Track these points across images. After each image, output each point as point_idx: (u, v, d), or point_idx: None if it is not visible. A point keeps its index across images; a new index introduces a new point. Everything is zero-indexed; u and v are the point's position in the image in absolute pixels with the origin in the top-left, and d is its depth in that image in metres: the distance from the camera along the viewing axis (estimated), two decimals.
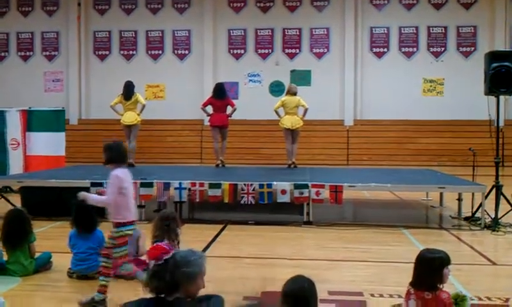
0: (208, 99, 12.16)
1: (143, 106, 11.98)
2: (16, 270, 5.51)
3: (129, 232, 4.63)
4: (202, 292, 3.14)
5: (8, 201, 9.30)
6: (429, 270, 3.65)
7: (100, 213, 7.17)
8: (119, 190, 4.48)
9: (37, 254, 5.78)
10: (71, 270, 5.55)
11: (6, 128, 12.21)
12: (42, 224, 7.89)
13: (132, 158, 11.80)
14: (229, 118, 12.05)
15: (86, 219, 5.62)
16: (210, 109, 12.05)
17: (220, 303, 3.15)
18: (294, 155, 11.78)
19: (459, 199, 9.14)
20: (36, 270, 5.62)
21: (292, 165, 11.63)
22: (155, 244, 2.81)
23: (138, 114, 11.90)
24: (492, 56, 8.59)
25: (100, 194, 4.97)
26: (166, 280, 2.74)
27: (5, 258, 5.62)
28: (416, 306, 3.61)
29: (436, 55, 20.21)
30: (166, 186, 8.58)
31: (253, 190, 8.45)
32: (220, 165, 12.01)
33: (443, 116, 19.51)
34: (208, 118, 12.20)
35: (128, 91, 11.86)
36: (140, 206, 8.26)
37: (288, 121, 11.56)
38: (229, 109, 12.05)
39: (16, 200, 9.30)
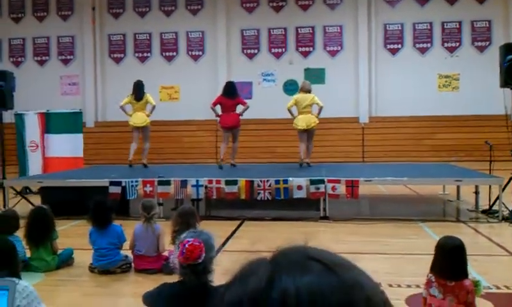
0: (218, 98, 11.48)
1: (153, 107, 11.48)
2: (39, 266, 5.63)
3: None
4: (218, 281, 3.18)
5: (29, 201, 9.46)
6: (457, 257, 3.62)
7: (121, 210, 7.28)
8: None
9: (59, 251, 5.89)
10: (92, 266, 5.65)
11: (25, 131, 12.40)
12: (62, 223, 7.99)
13: (144, 159, 11.51)
14: (241, 117, 11.40)
15: (101, 214, 5.74)
16: (219, 109, 11.40)
17: None
18: (308, 155, 11.14)
19: (476, 192, 9.10)
20: (58, 266, 5.74)
21: (305, 165, 10.93)
22: (188, 244, 2.79)
23: (148, 115, 11.44)
24: (507, 48, 8.57)
25: None
26: (200, 273, 2.78)
27: (28, 254, 5.75)
28: (438, 293, 3.61)
29: (451, 50, 20.08)
30: (183, 184, 8.68)
31: (269, 186, 8.51)
32: (221, 165, 11.29)
33: (459, 111, 19.36)
34: (218, 119, 11.60)
35: (139, 91, 11.37)
36: (158, 204, 8.33)
37: (303, 122, 10.84)
38: (240, 108, 11.40)
39: (36, 201, 9.45)
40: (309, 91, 11.12)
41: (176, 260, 2.86)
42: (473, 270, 5.18)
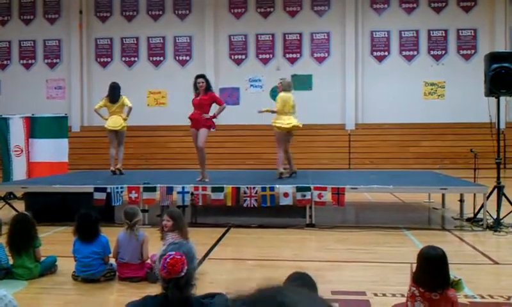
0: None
1: (130, 109, 11.02)
2: (22, 274, 5.56)
3: None
4: (205, 291, 3.17)
5: (12, 207, 9.35)
6: (441, 268, 3.62)
7: (106, 217, 7.17)
8: None
9: (42, 259, 5.82)
10: (76, 274, 5.58)
11: (10, 135, 12.27)
12: (46, 229, 7.92)
13: (113, 166, 10.91)
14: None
15: (88, 228, 5.64)
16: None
17: (224, 301, 3.17)
18: (291, 163, 10.32)
19: (461, 201, 9.17)
20: (41, 274, 5.67)
21: (293, 174, 10.16)
22: (169, 258, 2.73)
23: (125, 119, 11.01)
24: (492, 57, 8.62)
25: None
26: (182, 286, 2.74)
27: (11, 262, 5.67)
28: None
29: (437, 58, 20.25)
30: (169, 190, 8.63)
31: (256, 193, 8.49)
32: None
33: (445, 119, 19.52)
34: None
35: (114, 93, 10.95)
36: (143, 211, 8.25)
37: (289, 122, 9.87)
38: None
39: (20, 207, 9.34)
40: (289, 90, 10.13)
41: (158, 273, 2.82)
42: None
